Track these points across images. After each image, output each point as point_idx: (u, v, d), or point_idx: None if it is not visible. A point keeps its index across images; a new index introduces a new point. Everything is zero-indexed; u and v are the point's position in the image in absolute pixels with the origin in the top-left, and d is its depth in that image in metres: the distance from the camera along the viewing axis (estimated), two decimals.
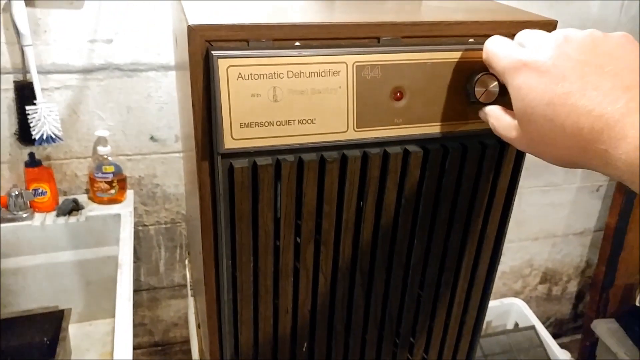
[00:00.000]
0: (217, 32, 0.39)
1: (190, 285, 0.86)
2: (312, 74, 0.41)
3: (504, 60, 0.38)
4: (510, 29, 0.46)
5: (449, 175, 0.49)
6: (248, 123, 0.40)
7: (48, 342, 1.05)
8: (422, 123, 0.45)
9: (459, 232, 0.53)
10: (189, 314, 0.88)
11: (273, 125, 0.41)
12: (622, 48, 0.35)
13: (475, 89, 0.43)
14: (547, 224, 1.61)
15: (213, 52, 0.38)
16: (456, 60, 0.44)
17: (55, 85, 1.08)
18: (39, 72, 1.04)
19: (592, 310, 1.65)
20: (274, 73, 0.40)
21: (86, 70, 1.08)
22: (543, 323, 1.76)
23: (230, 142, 0.40)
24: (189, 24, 0.39)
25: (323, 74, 0.41)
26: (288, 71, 0.40)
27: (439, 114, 0.45)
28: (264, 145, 0.41)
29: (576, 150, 0.34)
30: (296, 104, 0.41)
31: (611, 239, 1.56)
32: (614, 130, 0.31)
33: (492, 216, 0.53)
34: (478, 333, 0.62)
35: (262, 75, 0.40)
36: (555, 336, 1.84)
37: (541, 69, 0.35)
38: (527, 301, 1.70)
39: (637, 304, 1.47)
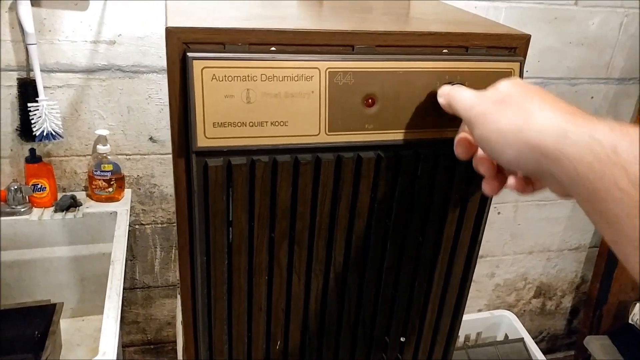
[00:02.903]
0: (194, 34, 0.41)
1: (178, 283, 0.88)
2: (286, 78, 0.42)
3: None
4: (482, 41, 0.47)
5: (421, 181, 0.50)
6: (221, 123, 0.42)
7: (39, 336, 1.06)
8: (393, 129, 0.46)
9: (432, 237, 0.54)
10: (177, 311, 0.89)
11: (246, 125, 0.43)
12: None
13: None
14: (542, 238, 1.61)
15: (188, 54, 0.40)
16: (428, 69, 0.46)
17: (58, 83, 1.11)
18: (42, 71, 1.06)
19: (586, 327, 1.65)
20: (248, 76, 0.41)
21: (89, 70, 1.11)
22: (535, 337, 1.76)
23: (203, 141, 0.42)
24: (167, 26, 0.40)
25: (296, 78, 0.43)
26: (262, 74, 0.42)
27: (411, 121, 0.47)
28: (237, 145, 0.43)
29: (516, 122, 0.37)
30: (269, 107, 0.43)
31: (606, 256, 1.56)
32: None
33: (465, 222, 0.54)
34: (452, 339, 0.63)
35: (235, 77, 0.41)
36: (549, 351, 1.83)
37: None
38: (521, 315, 1.70)
39: (630, 321, 1.47)
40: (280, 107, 0.43)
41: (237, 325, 0.53)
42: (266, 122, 0.43)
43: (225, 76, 0.41)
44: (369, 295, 0.56)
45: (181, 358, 0.82)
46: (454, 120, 0.45)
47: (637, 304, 1.45)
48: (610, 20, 1.32)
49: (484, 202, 0.54)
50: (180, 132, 0.44)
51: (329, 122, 0.44)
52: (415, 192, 0.51)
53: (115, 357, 0.79)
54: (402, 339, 0.62)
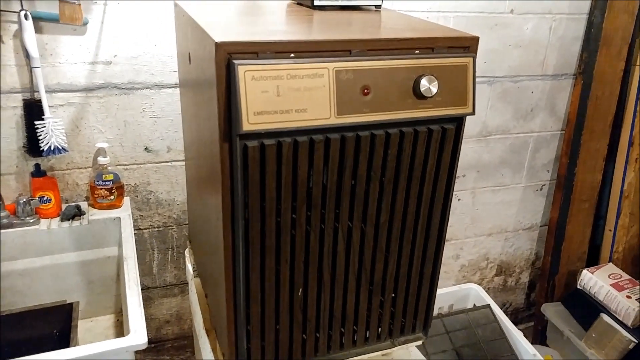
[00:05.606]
0: (236, 46, 0.55)
1: (194, 268, 1.00)
2: (304, 76, 0.57)
3: None
4: (444, 42, 0.64)
5: (405, 152, 0.66)
6: (259, 111, 0.56)
7: (57, 334, 1.15)
8: (383, 112, 0.62)
9: (415, 196, 0.69)
10: (191, 293, 1.01)
11: (277, 113, 0.57)
12: None
13: (421, 85, 0.61)
14: (499, 220, 1.81)
15: (235, 61, 0.54)
16: (406, 65, 0.61)
17: (60, 102, 1.21)
18: (45, 91, 1.17)
19: (542, 297, 1.85)
20: (277, 75, 0.56)
21: (88, 89, 1.22)
22: None
23: (247, 126, 0.56)
24: (216, 41, 0.54)
25: (312, 76, 0.57)
26: (287, 74, 0.56)
27: (395, 105, 0.62)
28: (271, 128, 0.57)
29: None
30: (293, 98, 0.57)
31: (554, 232, 1.77)
32: None
33: (439, 183, 0.70)
34: (434, 285, 0.78)
35: (268, 77, 0.56)
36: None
37: None
38: (485, 292, 1.89)
39: (578, 286, 1.67)
40: (301, 98, 0.57)
41: (268, 277, 0.66)
42: (291, 109, 0.57)
43: (261, 76, 0.55)
44: (369, 247, 0.70)
45: (201, 331, 0.94)
46: (426, 102, 0.61)
47: (583, 271, 1.65)
48: (541, 25, 1.54)
49: (452, 166, 0.70)
50: (225, 122, 0.57)
51: (337, 108, 0.59)
52: (401, 160, 0.66)
53: (145, 333, 0.90)
54: (392, 295, 0.77)
